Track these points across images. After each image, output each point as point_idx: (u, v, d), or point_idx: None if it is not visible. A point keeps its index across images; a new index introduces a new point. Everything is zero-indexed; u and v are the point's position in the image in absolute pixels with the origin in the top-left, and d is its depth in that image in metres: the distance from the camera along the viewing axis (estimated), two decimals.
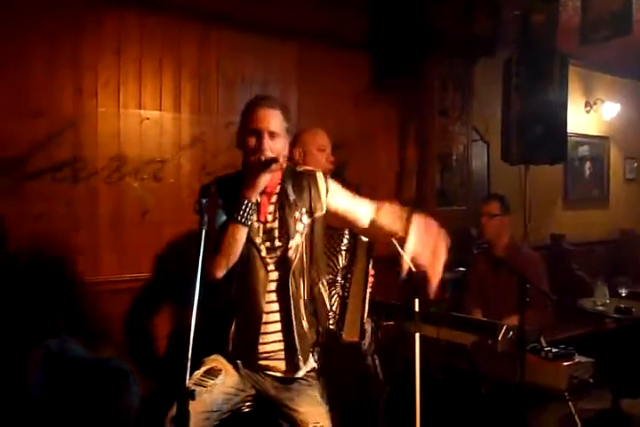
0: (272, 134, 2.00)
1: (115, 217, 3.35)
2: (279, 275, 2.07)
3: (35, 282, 2.83)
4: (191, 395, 1.53)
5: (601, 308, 3.79)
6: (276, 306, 2.08)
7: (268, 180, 1.98)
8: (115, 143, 3.34)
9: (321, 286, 2.20)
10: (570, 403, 2.69)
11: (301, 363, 2.11)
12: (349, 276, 2.58)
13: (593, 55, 5.20)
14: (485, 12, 4.02)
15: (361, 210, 2.18)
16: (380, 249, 2.93)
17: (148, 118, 3.45)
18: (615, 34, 3.59)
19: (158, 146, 3.49)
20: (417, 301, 2.68)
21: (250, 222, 1.97)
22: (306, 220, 2.09)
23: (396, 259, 2.34)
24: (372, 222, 2.18)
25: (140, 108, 3.43)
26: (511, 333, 2.80)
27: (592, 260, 5.76)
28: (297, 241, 2.06)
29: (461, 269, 4.22)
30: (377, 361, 3.06)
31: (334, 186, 2.17)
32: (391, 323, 3.09)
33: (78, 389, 2.41)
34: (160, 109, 3.50)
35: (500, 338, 2.79)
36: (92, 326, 3.13)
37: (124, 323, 3.32)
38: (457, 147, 4.54)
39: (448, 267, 4.18)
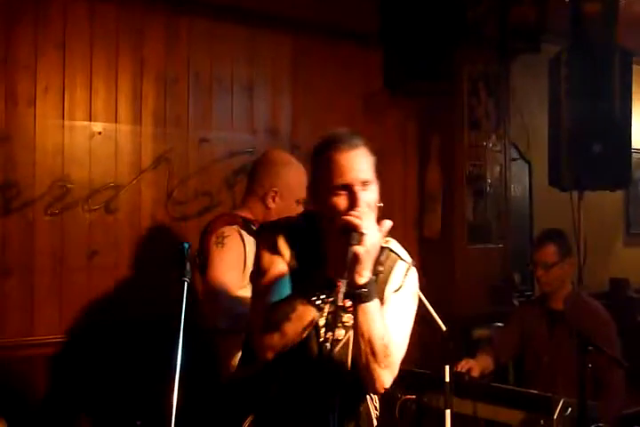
0: (365, 184, 1.93)
1: (55, 260, 3.35)
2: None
3: None
4: None
5: None
6: None
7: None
8: (58, 164, 3.36)
9: None
10: None
11: None
12: None
13: None
14: None
15: None
16: None
17: (99, 133, 3.49)
18: None
19: (113, 167, 3.52)
20: (447, 367, 2.70)
21: (325, 307, 1.91)
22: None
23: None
24: None
25: (90, 120, 3.46)
26: (570, 409, 2.81)
27: None
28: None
29: (499, 324, 4.30)
30: None
31: (409, 290, 2.09)
32: (412, 397, 3.09)
33: None
34: (115, 121, 3.53)
35: (555, 416, 2.78)
36: (20, 402, 3.09)
37: (66, 399, 3.29)
38: (492, 168, 4.62)
39: (482, 321, 4.35)
